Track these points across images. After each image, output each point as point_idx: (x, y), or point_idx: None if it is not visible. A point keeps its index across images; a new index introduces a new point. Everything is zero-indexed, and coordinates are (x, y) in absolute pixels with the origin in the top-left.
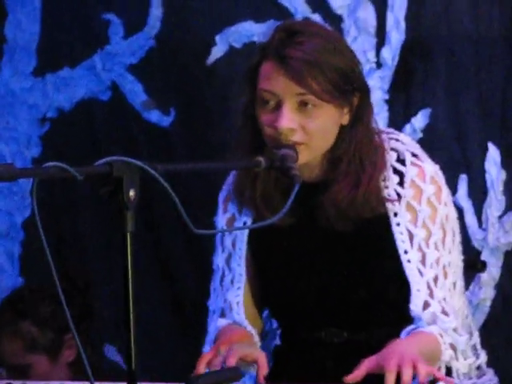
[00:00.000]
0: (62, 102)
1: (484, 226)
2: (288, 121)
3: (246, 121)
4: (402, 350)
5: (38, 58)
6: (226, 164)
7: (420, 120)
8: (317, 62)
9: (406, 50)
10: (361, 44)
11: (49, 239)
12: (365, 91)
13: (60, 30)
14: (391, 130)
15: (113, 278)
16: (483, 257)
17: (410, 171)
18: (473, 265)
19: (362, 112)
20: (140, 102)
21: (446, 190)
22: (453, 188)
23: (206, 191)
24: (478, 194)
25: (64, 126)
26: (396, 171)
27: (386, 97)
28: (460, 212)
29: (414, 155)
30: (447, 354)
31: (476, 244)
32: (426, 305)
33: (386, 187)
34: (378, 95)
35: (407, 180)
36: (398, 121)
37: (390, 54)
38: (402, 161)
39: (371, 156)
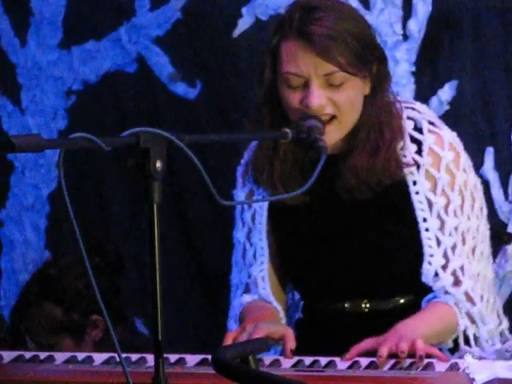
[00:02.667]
0: (88, 74)
1: (510, 198)
2: (318, 98)
3: (267, 100)
4: (403, 332)
5: (64, 31)
6: (254, 135)
7: (447, 92)
8: (340, 36)
9: (433, 22)
10: (387, 16)
11: (75, 212)
12: (383, 59)
13: (86, 3)
14: (407, 99)
15: (139, 250)
16: (510, 229)
17: (427, 139)
18: (499, 237)
19: (380, 80)
20: (166, 74)
21: (464, 156)
22: (479, 161)
23: (231, 163)
24: (505, 167)
25: (90, 98)
26: (414, 140)
27: (413, 69)
28: (486, 184)
29: (431, 123)
30: (462, 324)
31: (502, 216)
32: (437, 277)
33: (405, 156)
34: (405, 67)
35: (425, 148)
36: (424, 93)
37: (417, 26)
38: (419, 129)
39: (390, 123)
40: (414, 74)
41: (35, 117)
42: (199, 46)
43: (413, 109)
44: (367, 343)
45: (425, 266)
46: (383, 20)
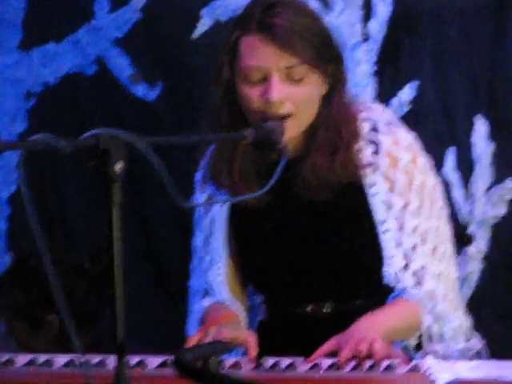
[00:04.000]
0: (48, 76)
1: (471, 199)
2: (278, 92)
3: (225, 98)
4: (363, 330)
5: (24, 33)
6: (213, 137)
7: (407, 93)
8: (300, 30)
9: (393, 22)
10: (347, 17)
11: (36, 213)
12: (340, 59)
13: (45, 5)
14: (363, 100)
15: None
16: (470, 230)
17: (384, 140)
18: (459, 238)
19: (337, 81)
20: (126, 75)
21: (421, 157)
22: (440, 161)
23: (192, 165)
24: (466, 167)
25: (49, 100)
26: (370, 141)
27: (373, 70)
28: (447, 185)
29: (388, 124)
30: (426, 321)
31: (463, 217)
32: (398, 279)
33: (361, 158)
34: (365, 68)
35: (382, 149)
36: (385, 94)
37: (377, 26)
38: (376, 130)
39: (347, 123)
40: (374, 74)
41: None
42: (159, 48)
43: (370, 110)
44: (329, 345)
45: (385, 268)
46: (343, 21)
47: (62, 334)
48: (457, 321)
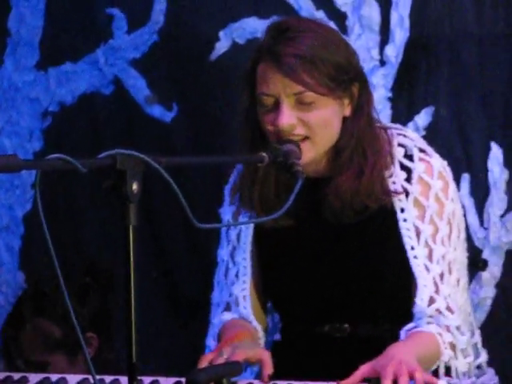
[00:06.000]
0: (64, 96)
1: (486, 224)
2: (287, 118)
3: (247, 122)
4: (399, 356)
5: (41, 52)
6: (230, 158)
7: (423, 118)
8: (310, 57)
9: (410, 47)
10: (365, 41)
11: (50, 233)
12: (363, 80)
13: (63, 25)
14: (398, 125)
15: (115, 272)
16: (484, 255)
17: (417, 167)
18: (474, 263)
19: (362, 102)
20: (143, 96)
21: (452, 186)
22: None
23: (207, 186)
24: (480, 193)
25: (66, 120)
26: (403, 167)
27: (390, 95)
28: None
29: (422, 150)
30: (446, 354)
31: (477, 243)
32: (432, 300)
33: (394, 183)
34: (382, 93)
35: (415, 176)
36: (401, 119)
37: (394, 51)
38: (409, 156)
39: (373, 145)
40: (390, 99)
41: (11, 137)
42: (176, 69)
43: (404, 136)
44: (364, 370)
45: (420, 287)
46: (361, 45)
47: (100, 354)
48: (472, 356)
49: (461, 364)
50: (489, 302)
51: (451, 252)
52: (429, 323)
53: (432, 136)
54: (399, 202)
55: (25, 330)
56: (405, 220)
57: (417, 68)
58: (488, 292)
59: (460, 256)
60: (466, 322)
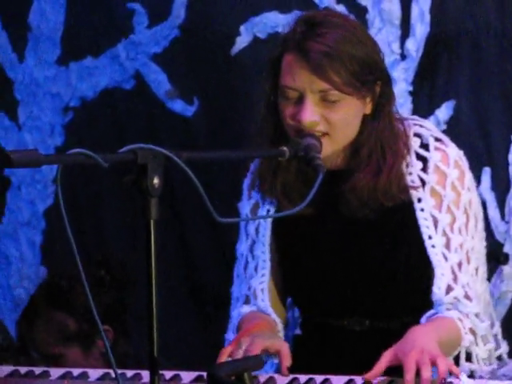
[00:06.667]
0: (85, 91)
1: (507, 218)
2: (310, 114)
3: (268, 112)
4: (420, 342)
5: (62, 47)
6: (251, 152)
7: (444, 112)
8: (338, 55)
9: (431, 41)
10: (385, 35)
11: (71, 228)
12: (386, 80)
13: (84, 19)
14: (415, 116)
15: (136, 267)
16: (506, 249)
17: (433, 156)
18: (495, 257)
19: (383, 101)
20: (163, 91)
21: (469, 175)
22: (476, 180)
23: (228, 180)
24: (501, 187)
25: (87, 115)
26: (419, 157)
27: (410, 88)
28: (483, 204)
29: (438, 140)
30: (467, 340)
31: (499, 236)
32: (450, 288)
33: (410, 173)
34: (402, 87)
35: (431, 165)
36: (421, 112)
37: (415, 45)
38: (425, 146)
39: (392, 144)
40: (411, 93)
41: (32, 133)
42: (197, 64)
43: (420, 126)
44: (387, 357)
45: (438, 276)
46: (381, 39)
47: (114, 347)
48: (492, 343)
49: (481, 350)
50: (510, 296)
51: (469, 241)
52: (448, 309)
53: (453, 130)
54: (416, 193)
55: (40, 322)
56: (422, 210)
57: (438, 62)
58: (509, 286)
59: (478, 245)
60: (485, 311)
